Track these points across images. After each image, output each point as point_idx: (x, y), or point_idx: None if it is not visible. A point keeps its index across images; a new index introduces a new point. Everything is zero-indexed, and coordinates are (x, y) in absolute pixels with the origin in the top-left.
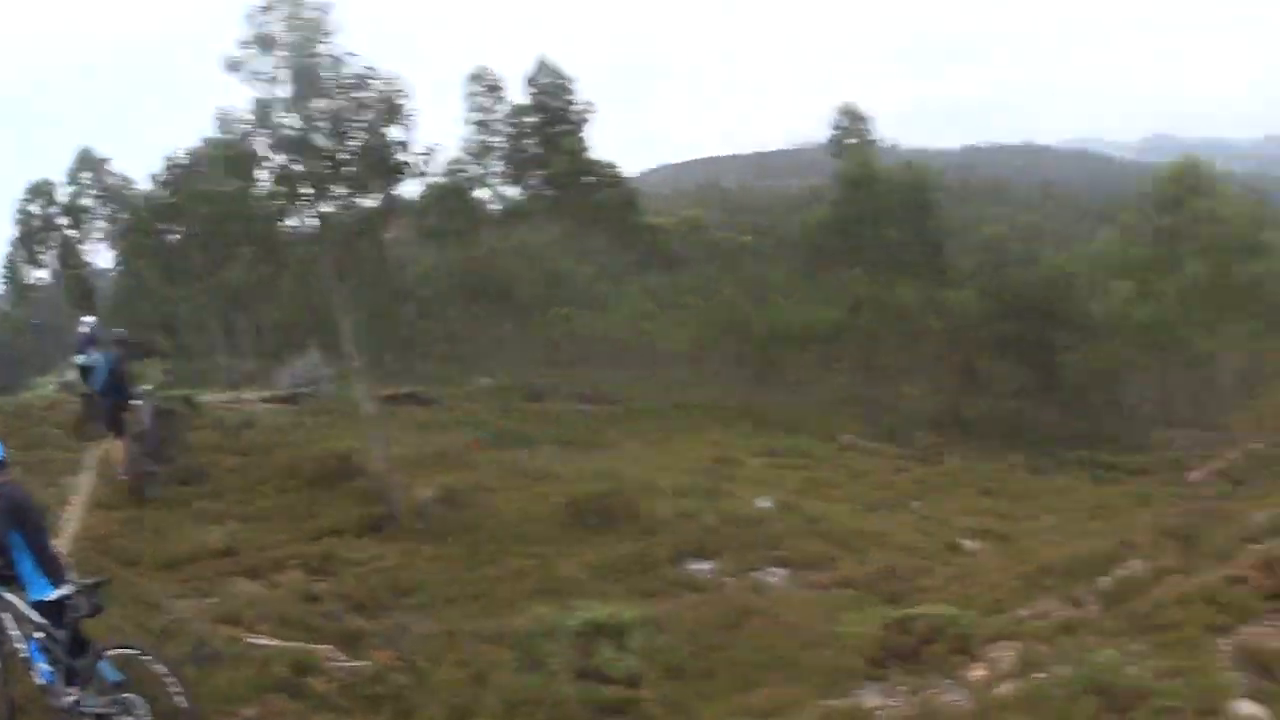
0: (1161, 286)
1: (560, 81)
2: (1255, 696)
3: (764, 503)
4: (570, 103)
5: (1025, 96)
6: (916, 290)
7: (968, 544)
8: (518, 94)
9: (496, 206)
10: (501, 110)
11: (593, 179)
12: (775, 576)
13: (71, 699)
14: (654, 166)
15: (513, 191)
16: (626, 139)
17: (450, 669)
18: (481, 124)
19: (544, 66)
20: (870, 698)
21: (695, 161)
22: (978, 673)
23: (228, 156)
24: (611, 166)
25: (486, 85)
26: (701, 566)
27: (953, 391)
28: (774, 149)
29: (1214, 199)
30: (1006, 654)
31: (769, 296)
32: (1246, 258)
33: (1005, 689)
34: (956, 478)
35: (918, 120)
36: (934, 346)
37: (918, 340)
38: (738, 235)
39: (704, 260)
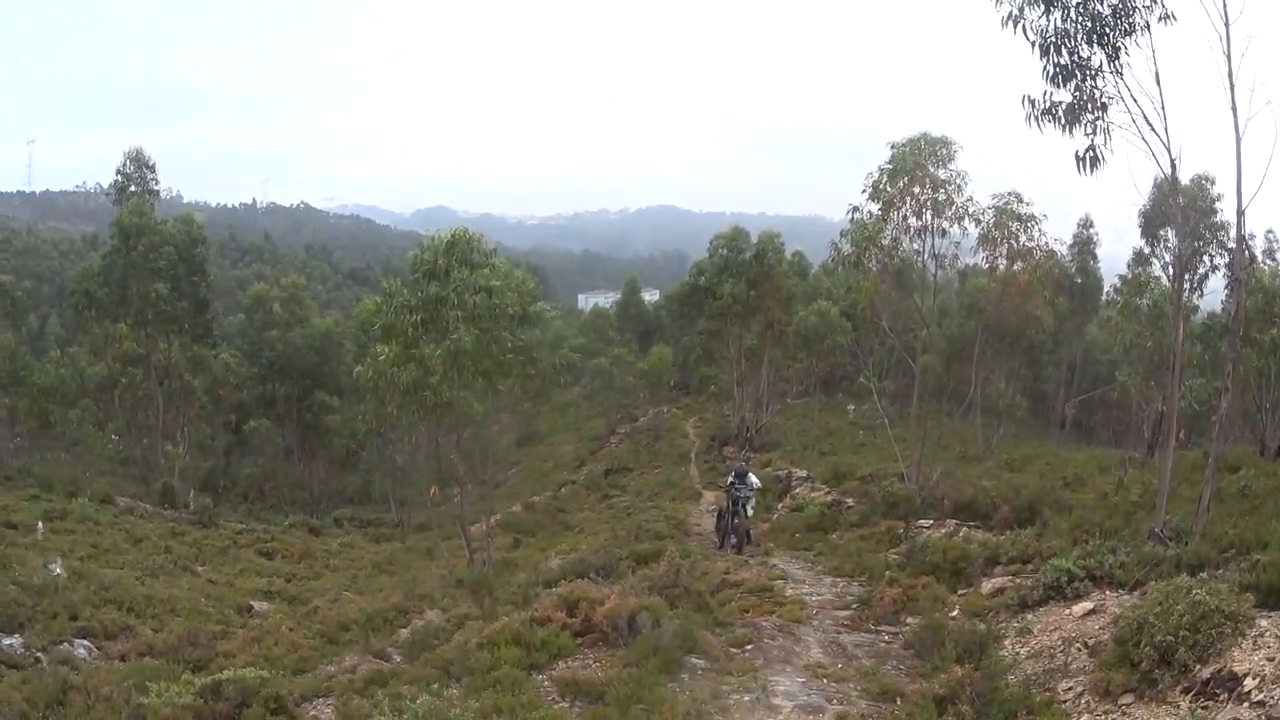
0: (427, 351)
1: None
2: None
3: (56, 569)
4: None
5: (306, 158)
6: (182, 348)
7: (258, 606)
8: None
9: None
10: None
11: None
12: (82, 649)
13: None
14: None
15: None
16: None
17: None
18: None
19: None
20: None
21: None
22: None
23: None
24: None
25: None
26: (10, 641)
27: (221, 452)
28: (63, 189)
29: (484, 270)
30: (325, 711)
31: (47, 348)
32: (515, 326)
33: None
34: (235, 540)
35: (199, 170)
36: (200, 407)
37: (185, 399)
38: (17, 280)
39: None
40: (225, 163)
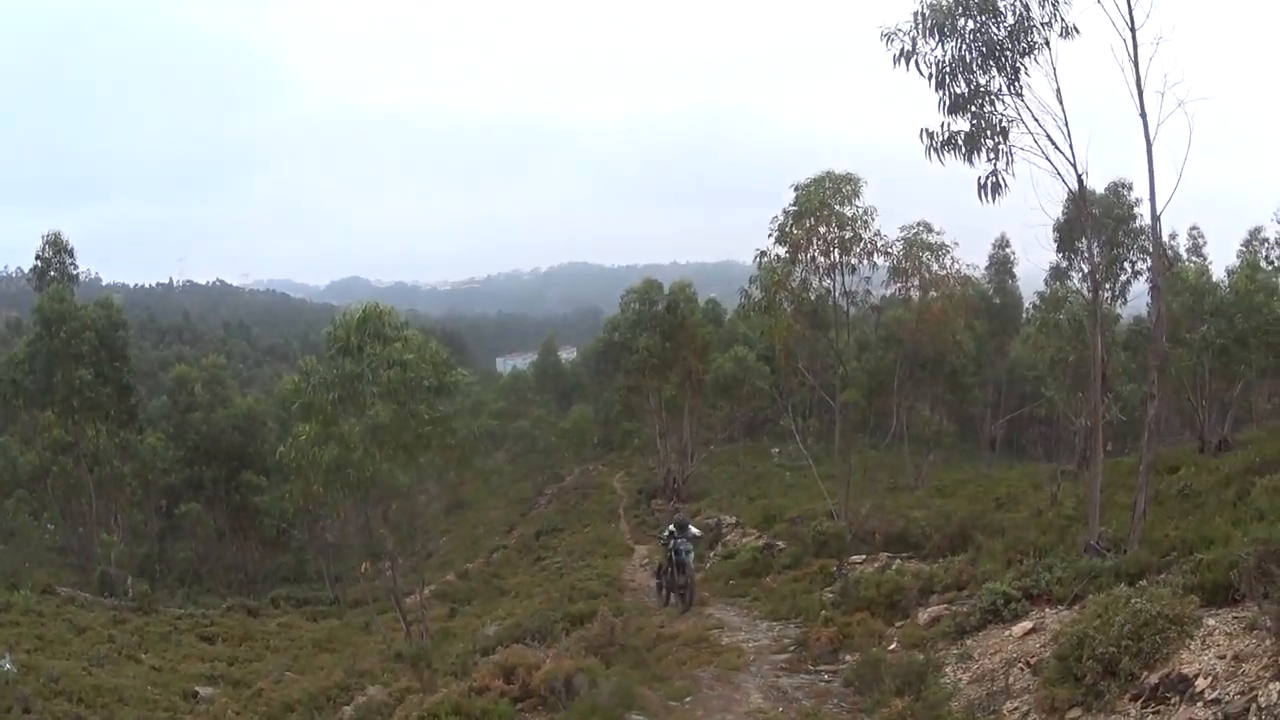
0: (346, 428)
1: None
2: None
3: (6, 664)
4: None
5: (220, 235)
6: (109, 434)
7: (204, 691)
8: None
9: None
10: None
11: None
12: None
13: None
14: None
15: None
16: None
17: None
18: None
19: None
20: None
21: None
22: None
23: None
24: None
25: None
26: None
27: (155, 538)
28: None
29: (397, 344)
30: None
31: None
32: (432, 398)
33: None
34: (175, 625)
35: (115, 251)
36: (131, 492)
37: (116, 486)
38: None
39: None
40: (140, 242)
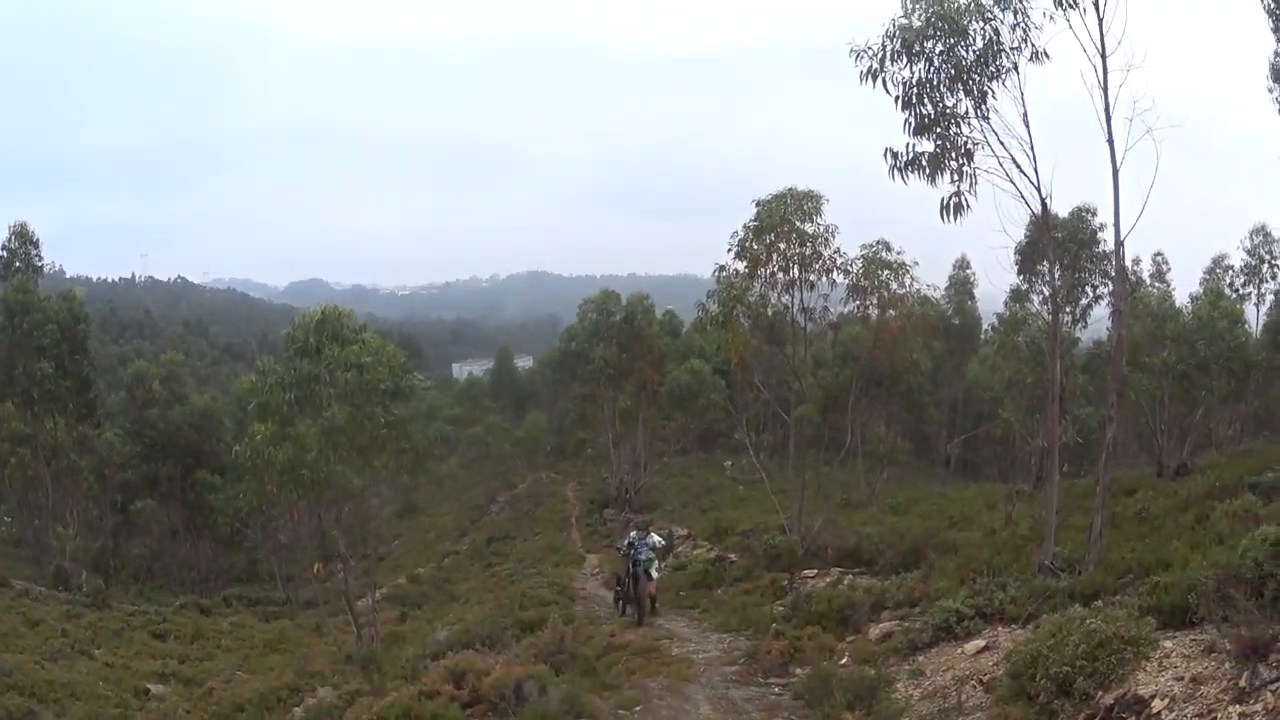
0: (302, 429)
1: None
2: None
3: None
4: None
5: (183, 232)
6: (68, 428)
7: (155, 689)
8: None
9: None
10: None
11: None
12: None
13: None
14: None
15: None
16: None
17: None
18: None
19: None
20: None
21: None
22: None
23: None
24: None
25: None
26: None
27: (110, 533)
28: None
29: (354, 346)
30: None
31: None
32: (388, 401)
33: None
34: (128, 622)
35: (80, 243)
36: (87, 487)
37: (73, 479)
38: None
39: None
40: (105, 236)
